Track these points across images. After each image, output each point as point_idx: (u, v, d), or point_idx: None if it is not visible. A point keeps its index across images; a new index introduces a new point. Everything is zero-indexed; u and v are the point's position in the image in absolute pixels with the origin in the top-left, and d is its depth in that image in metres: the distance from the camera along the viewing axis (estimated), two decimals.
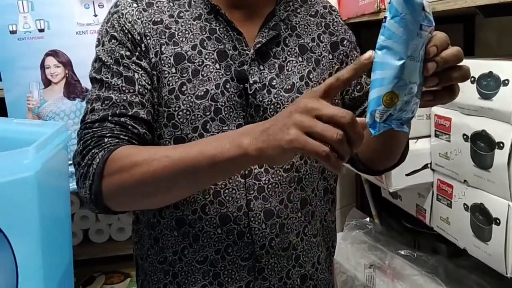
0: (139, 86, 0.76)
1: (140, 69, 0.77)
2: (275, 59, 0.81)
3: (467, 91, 1.01)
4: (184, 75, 0.77)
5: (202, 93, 0.76)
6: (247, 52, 0.79)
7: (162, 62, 0.77)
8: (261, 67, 0.79)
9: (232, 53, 0.78)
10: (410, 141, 1.27)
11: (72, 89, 1.42)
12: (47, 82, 1.40)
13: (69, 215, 0.60)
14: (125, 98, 0.75)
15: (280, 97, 0.79)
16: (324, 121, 0.56)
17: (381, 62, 0.55)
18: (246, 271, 0.80)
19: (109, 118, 0.74)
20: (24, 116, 1.40)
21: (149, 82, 0.77)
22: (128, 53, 0.77)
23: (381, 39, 0.55)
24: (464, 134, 1.06)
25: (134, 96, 0.76)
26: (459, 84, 0.62)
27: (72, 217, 1.68)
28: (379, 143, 0.84)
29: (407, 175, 1.28)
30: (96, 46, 0.81)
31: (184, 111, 0.76)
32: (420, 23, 0.54)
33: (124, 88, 0.76)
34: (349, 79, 0.59)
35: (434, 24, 0.57)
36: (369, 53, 0.57)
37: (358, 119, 0.57)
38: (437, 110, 1.18)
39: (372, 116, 0.56)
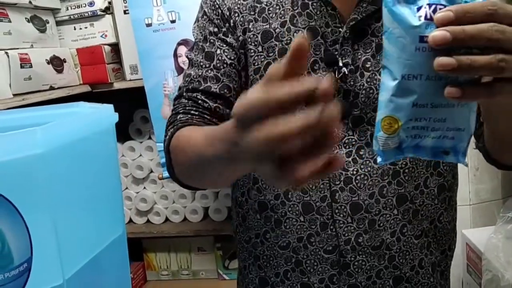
0: (217, 61, 0.76)
1: (224, 45, 0.76)
2: (373, 37, 0.71)
3: None
4: (270, 55, 0.73)
5: None
6: (340, 29, 0.70)
7: (249, 40, 0.74)
8: (355, 47, 0.71)
9: (324, 31, 0.71)
10: None
11: None
12: (180, 70, 1.50)
13: (116, 191, 0.63)
14: (200, 73, 0.76)
15: (374, 81, 0.70)
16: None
17: (382, 83, 0.47)
18: (329, 264, 0.75)
19: (184, 94, 0.76)
20: (161, 102, 1.53)
21: (232, 57, 0.76)
22: (215, 30, 0.77)
23: (383, 58, 0.47)
24: None
25: (209, 71, 0.75)
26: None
27: (216, 195, 1.80)
28: (498, 130, 0.66)
29: None
30: (193, 24, 0.82)
31: None
32: (421, 35, 0.43)
33: (201, 64, 0.76)
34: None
35: None
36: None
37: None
38: None
39: (377, 143, 0.49)
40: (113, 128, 0.66)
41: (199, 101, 0.75)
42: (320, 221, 0.73)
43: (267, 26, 0.73)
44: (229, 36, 0.76)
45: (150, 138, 1.82)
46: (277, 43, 0.73)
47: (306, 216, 0.74)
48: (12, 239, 0.49)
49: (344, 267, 0.74)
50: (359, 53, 0.70)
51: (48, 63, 1.49)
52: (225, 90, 0.75)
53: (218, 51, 0.75)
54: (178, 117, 0.74)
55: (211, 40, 0.76)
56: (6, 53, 1.31)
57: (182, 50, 1.48)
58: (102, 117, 0.63)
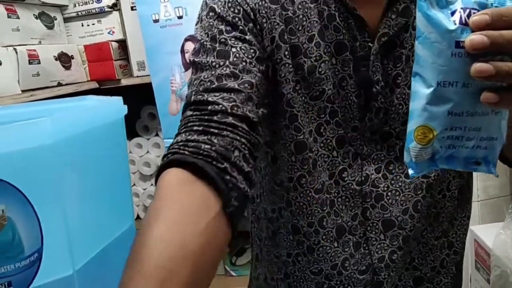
0: (234, 58, 0.61)
1: (240, 43, 0.62)
2: (402, 48, 0.65)
3: None
4: (299, 72, 0.65)
5: (318, 93, 0.66)
6: (369, 44, 0.64)
7: (280, 52, 0.65)
8: (385, 61, 0.65)
9: (352, 45, 0.65)
10: None
11: None
12: (187, 66, 1.50)
13: (125, 184, 0.63)
14: (213, 73, 0.60)
15: (403, 96, 0.65)
16: None
17: (413, 91, 0.45)
18: (363, 285, 0.72)
19: (192, 99, 0.59)
20: (168, 98, 1.53)
21: (250, 56, 0.62)
22: (228, 28, 0.63)
23: (414, 65, 0.45)
24: None
25: (224, 68, 0.60)
26: None
27: None
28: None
29: None
30: (196, 25, 0.69)
31: (300, 112, 0.66)
32: (456, 40, 0.42)
33: (214, 63, 0.61)
34: None
35: None
36: None
37: None
38: None
39: (408, 154, 0.47)
40: (122, 120, 0.66)
41: (209, 107, 0.57)
42: (353, 242, 0.71)
43: (296, 40, 0.65)
44: (248, 34, 0.63)
45: (157, 134, 1.82)
46: (306, 59, 0.65)
47: (340, 240, 0.71)
48: (23, 229, 0.49)
49: (377, 285, 0.72)
50: (389, 68, 0.65)
51: (56, 59, 1.49)
52: (246, 85, 0.60)
53: (234, 50, 0.62)
54: (176, 140, 0.56)
55: (222, 40, 0.62)
56: (15, 49, 1.32)
57: (190, 46, 1.48)
58: (111, 109, 0.63)
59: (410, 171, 0.47)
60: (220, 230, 0.49)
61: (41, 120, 0.49)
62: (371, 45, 0.64)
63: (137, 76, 1.68)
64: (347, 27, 0.64)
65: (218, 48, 0.62)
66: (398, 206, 0.69)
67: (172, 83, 1.51)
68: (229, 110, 0.55)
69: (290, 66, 0.65)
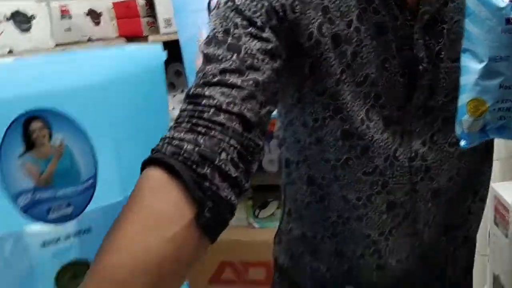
0: (245, 54, 0.57)
1: (255, 40, 0.58)
2: (443, 23, 0.64)
3: None
4: (343, 61, 0.64)
5: (362, 78, 0.65)
6: (411, 23, 0.63)
7: (320, 46, 0.63)
8: (427, 38, 0.64)
9: (392, 25, 0.63)
10: None
11: None
12: None
13: (165, 128, 0.68)
14: (218, 66, 0.56)
15: (446, 70, 0.66)
16: None
17: (464, 66, 0.49)
18: (409, 248, 0.75)
19: (190, 92, 0.56)
20: (195, 55, 1.56)
21: (264, 53, 0.59)
22: (244, 23, 0.59)
23: (463, 41, 0.49)
24: None
25: (231, 63, 0.56)
26: None
27: None
28: None
29: None
30: (211, 10, 0.68)
31: (349, 102, 0.66)
32: (506, 17, 0.45)
33: (221, 57, 0.57)
34: None
35: None
36: None
37: None
38: None
39: (460, 127, 0.50)
40: (163, 65, 0.70)
41: (204, 101, 0.53)
42: (402, 213, 0.73)
43: (336, 29, 0.63)
44: (267, 31, 0.60)
45: (183, 91, 1.86)
46: (348, 46, 0.64)
47: (390, 213, 0.73)
48: (79, 157, 0.54)
49: (421, 246, 0.76)
50: (431, 44, 0.65)
51: (86, 15, 1.53)
52: (250, 82, 0.56)
53: (246, 46, 0.58)
54: (165, 135, 0.53)
55: (235, 34, 0.58)
56: (48, 4, 1.36)
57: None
58: (152, 55, 0.67)
59: (462, 142, 0.51)
60: (191, 241, 0.47)
61: (92, 58, 0.54)
62: (413, 23, 0.63)
63: (164, 34, 1.70)
64: (387, 8, 0.63)
65: (229, 41, 0.58)
66: (445, 175, 0.71)
67: (199, 40, 1.54)
68: (223, 106, 0.52)
69: (332, 58, 0.64)
